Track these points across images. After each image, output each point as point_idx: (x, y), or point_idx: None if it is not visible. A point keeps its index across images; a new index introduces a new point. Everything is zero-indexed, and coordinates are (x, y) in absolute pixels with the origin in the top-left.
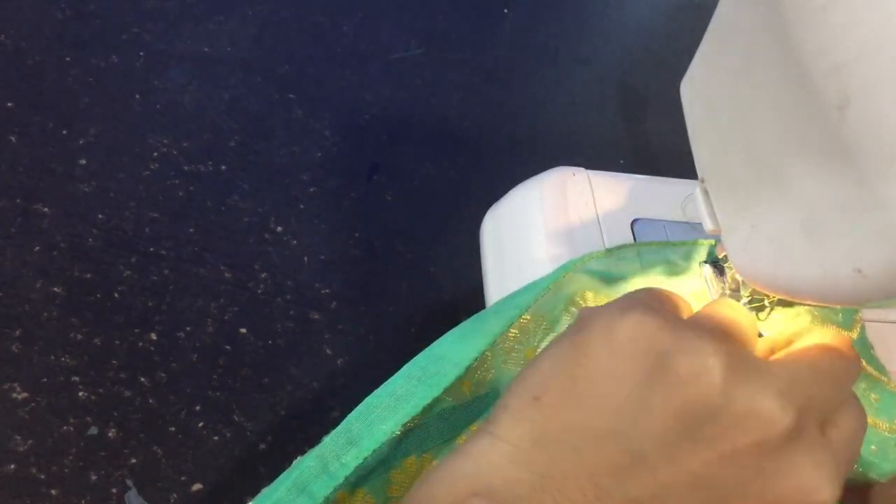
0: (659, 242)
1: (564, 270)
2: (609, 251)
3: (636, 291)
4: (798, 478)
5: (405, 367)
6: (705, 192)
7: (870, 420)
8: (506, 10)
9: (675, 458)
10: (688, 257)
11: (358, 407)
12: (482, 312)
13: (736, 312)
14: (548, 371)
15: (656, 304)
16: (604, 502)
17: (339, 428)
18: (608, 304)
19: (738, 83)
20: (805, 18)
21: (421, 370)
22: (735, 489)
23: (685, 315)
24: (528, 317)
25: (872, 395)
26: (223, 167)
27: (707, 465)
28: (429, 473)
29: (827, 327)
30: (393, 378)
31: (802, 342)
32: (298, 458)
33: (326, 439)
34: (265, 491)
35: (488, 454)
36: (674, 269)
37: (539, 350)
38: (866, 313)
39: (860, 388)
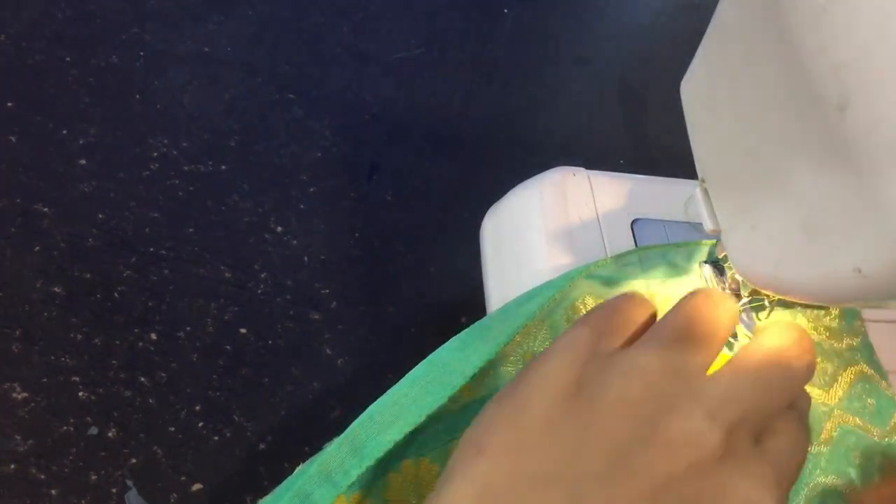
0: (661, 245)
1: (569, 279)
2: (615, 258)
3: (582, 317)
4: (737, 496)
5: (408, 375)
6: (705, 192)
7: (861, 425)
8: (506, 10)
9: (615, 496)
10: (689, 258)
11: (361, 416)
12: (485, 319)
13: (700, 312)
14: (490, 421)
15: (596, 332)
16: None
17: (342, 437)
18: (548, 347)
19: (738, 83)
20: (805, 18)
21: (424, 378)
22: None
23: (640, 323)
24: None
25: (869, 400)
26: (223, 167)
27: (646, 498)
28: None
29: (784, 321)
30: (396, 386)
31: (752, 345)
32: (300, 466)
33: (329, 448)
34: (267, 499)
35: None
36: (675, 271)
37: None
38: (867, 313)
39: (856, 391)
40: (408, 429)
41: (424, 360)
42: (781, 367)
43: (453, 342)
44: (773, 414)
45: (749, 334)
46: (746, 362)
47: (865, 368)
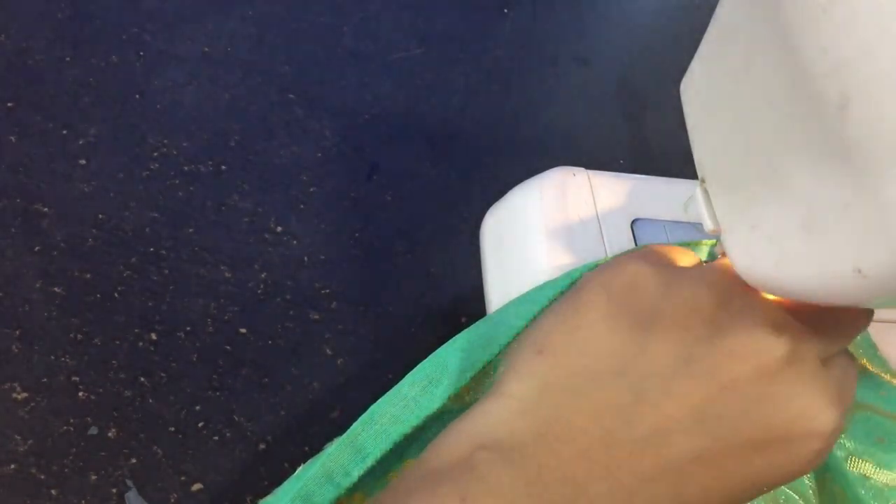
0: (663, 247)
1: (570, 279)
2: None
3: (632, 250)
4: (800, 402)
5: (409, 375)
6: (705, 192)
7: (878, 411)
8: (506, 10)
9: (676, 393)
10: (692, 256)
11: (362, 416)
12: (486, 319)
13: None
14: (549, 325)
15: (652, 256)
16: (608, 442)
17: (343, 438)
18: (608, 260)
19: (738, 83)
20: (805, 18)
21: (425, 378)
22: (738, 418)
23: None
24: None
25: (880, 392)
26: (223, 167)
27: (708, 397)
28: (438, 436)
29: None
30: (397, 386)
31: None
32: (301, 466)
33: (331, 448)
34: (268, 500)
35: (494, 411)
36: None
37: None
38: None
39: (866, 380)
40: (409, 429)
41: (425, 360)
42: (837, 315)
43: (454, 342)
44: (832, 351)
45: None
46: (808, 306)
47: (868, 364)
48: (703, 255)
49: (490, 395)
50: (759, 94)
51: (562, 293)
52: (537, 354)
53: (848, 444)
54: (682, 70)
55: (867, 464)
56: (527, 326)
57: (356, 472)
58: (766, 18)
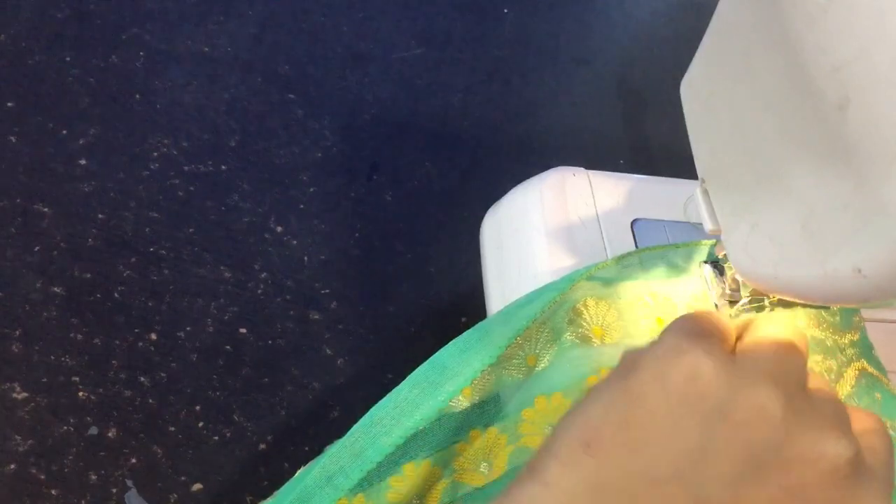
0: (661, 246)
1: (570, 282)
2: (616, 260)
3: (680, 321)
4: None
5: (409, 377)
6: (705, 193)
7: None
8: (506, 10)
9: (741, 497)
10: (689, 258)
11: (362, 419)
12: (486, 322)
13: (781, 331)
14: (598, 417)
15: (705, 335)
16: None
17: (343, 440)
18: (657, 345)
19: (738, 83)
20: (805, 19)
21: (425, 381)
22: None
23: (732, 336)
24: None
25: (876, 394)
26: (223, 167)
27: (773, 501)
28: None
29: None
30: (397, 388)
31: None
32: (301, 468)
33: (331, 450)
34: (268, 501)
35: (541, 500)
36: (675, 271)
37: (540, 357)
38: (865, 313)
39: (862, 385)
40: (409, 432)
41: (425, 363)
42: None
43: (454, 345)
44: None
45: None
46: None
47: (867, 366)
48: (703, 256)
49: (530, 481)
50: (758, 95)
51: (562, 296)
52: (586, 447)
53: None
54: (682, 70)
55: None
56: (570, 409)
57: (356, 475)
58: (766, 19)
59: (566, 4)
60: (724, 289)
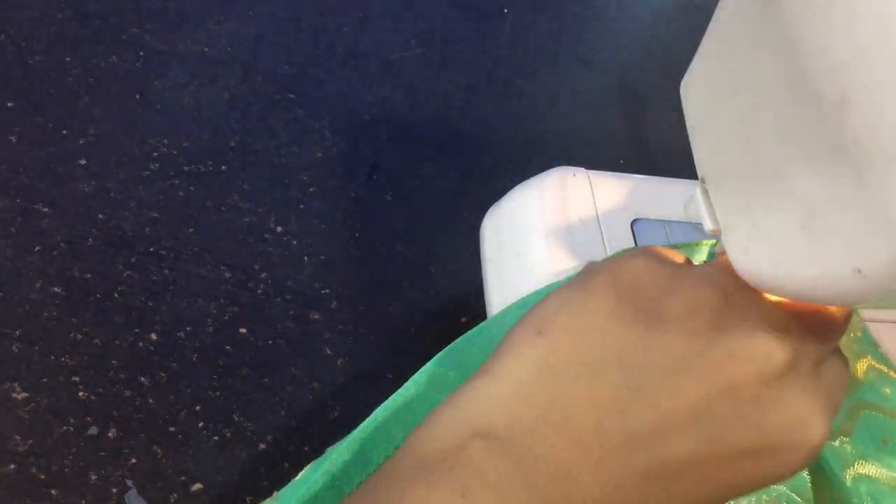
0: (661, 248)
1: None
2: None
3: (636, 247)
4: (795, 409)
5: (413, 378)
6: (705, 193)
7: (884, 410)
8: (506, 10)
9: (675, 392)
10: (689, 258)
11: (366, 421)
12: (488, 321)
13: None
14: (553, 307)
15: (659, 253)
16: (602, 434)
17: (347, 442)
18: (614, 254)
19: (738, 83)
20: (805, 17)
21: (430, 379)
22: (733, 420)
23: (682, 259)
24: None
25: (885, 389)
26: (223, 167)
27: (706, 398)
28: (429, 416)
29: None
30: (402, 389)
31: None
32: (304, 470)
33: (334, 453)
34: (268, 501)
35: (490, 393)
36: None
37: None
38: (866, 313)
39: (870, 378)
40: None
41: (428, 363)
42: (828, 314)
43: (457, 343)
44: (826, 352)
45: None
46: (796, 305)
47: (872, 361)
48: (703, 256)
49: (483, 373)
50: (758, 94)
51: None
52: (537, 335)
53: (851, 449)
54: (682, 70)
55: (872, 467)
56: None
57: (357, 481)
58: (765, 19)
59: (566, 4)
60: None
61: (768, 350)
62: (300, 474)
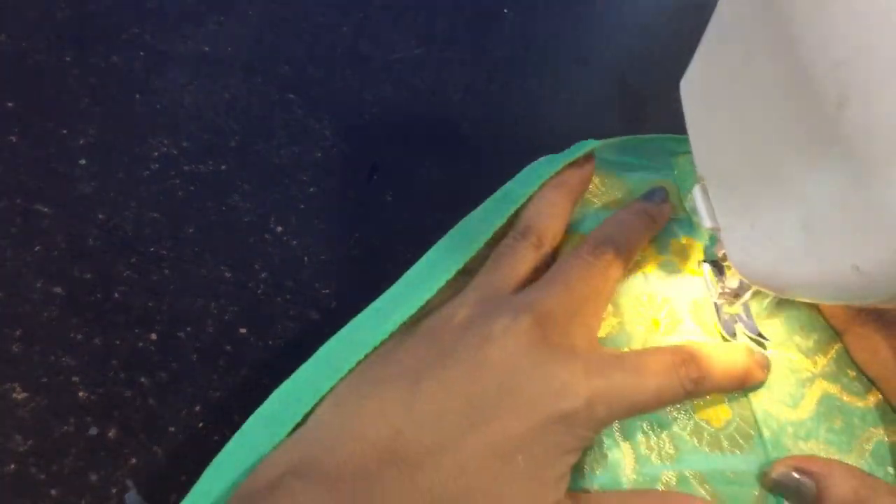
0: (636, 138)
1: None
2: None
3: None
4: (546, 376)
5: (376, 302)
6: (704, 191)
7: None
8: (506, 10)
9: (444, 377)
10: (663, 154)
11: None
12: (466, 220)
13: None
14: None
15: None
16: (394, 431)
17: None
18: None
19: (738, 82)
20: (804, 15)
21: (417, 277)
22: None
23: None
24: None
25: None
26: (223, 167)
27: (466, 375)
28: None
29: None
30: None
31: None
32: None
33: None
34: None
35: (302, 439)
36: (649, 173)
37: None
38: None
39: (824, 408)
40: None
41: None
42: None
43: (441, 244)
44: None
45: (749, 334)
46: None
47: (831, 387)
48: (700, 255)
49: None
50: (758, 94)
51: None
52: (348, 382)
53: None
54: (682, 70)
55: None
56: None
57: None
58: (765, 18)
59: (566, 4)
60: (723, 288)
61: (511, 326)
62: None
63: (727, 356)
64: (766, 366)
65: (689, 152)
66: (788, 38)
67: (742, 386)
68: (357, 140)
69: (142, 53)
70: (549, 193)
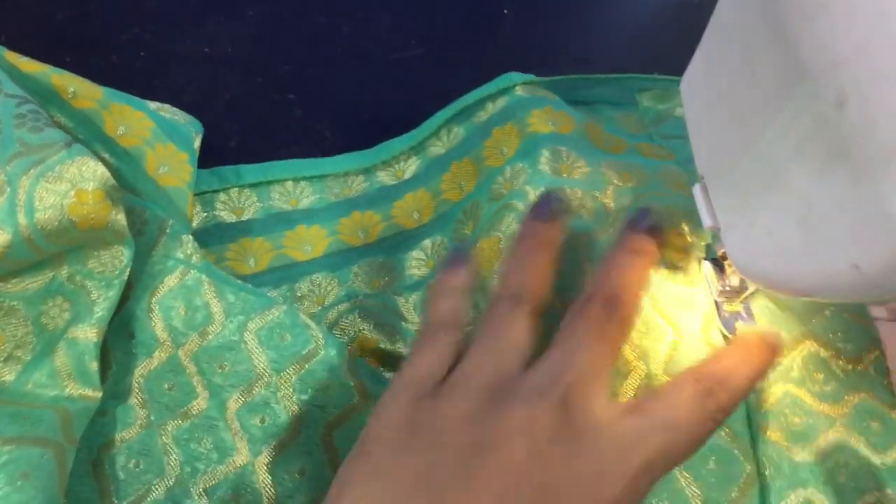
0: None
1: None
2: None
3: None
4: (577, 471)
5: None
6: (704, 190)
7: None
8: (506, 11)
9: (476, 495)
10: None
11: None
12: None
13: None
14: (346, 467)
15: (422, 368)
16: None
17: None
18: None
19: (738, 81)
20: (804, 14)
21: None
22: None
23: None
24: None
25: (873, 423)
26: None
27: (506, 489)
28: None
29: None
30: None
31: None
32: None
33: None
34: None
35: None
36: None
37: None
38: (874, 310)
39: (858, 411)
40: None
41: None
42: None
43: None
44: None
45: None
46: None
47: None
48: (701, 253)
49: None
50: (758, 93)
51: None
52: (339, 497)
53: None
54: (682, 70)
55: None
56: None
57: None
58: (765, 17)
59: (566, 4)
60: (723, 286)
61: (530, 417)
62: None
63: (746, 357)
64: (779, 346)
65: (652, 89)
66: (788, 38)
67: (766, 377)
68: (357, 140)
69: (142, 53)
70: (526, 251)
